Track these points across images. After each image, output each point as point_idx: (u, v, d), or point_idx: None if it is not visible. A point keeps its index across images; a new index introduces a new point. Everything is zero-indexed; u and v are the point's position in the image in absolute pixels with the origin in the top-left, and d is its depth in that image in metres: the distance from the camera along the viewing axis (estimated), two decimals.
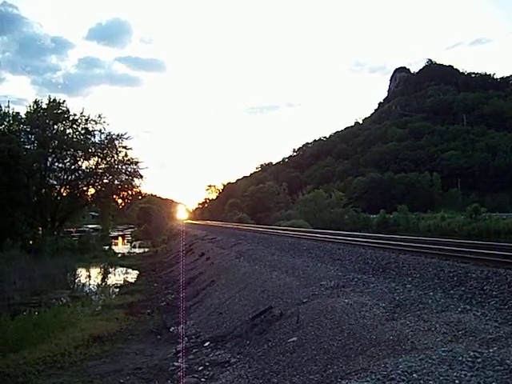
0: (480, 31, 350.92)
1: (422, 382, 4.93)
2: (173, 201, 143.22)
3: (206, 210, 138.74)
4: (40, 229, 44.31)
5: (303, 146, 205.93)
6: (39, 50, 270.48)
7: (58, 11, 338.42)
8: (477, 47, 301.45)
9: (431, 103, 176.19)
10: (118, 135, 48.45)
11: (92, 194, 50.93)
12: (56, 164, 47.54)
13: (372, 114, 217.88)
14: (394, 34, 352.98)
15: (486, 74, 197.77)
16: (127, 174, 49.50)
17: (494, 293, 8.71)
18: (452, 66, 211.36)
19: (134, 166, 49.55)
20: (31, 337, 13.29)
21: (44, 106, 46.06)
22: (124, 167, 49.23)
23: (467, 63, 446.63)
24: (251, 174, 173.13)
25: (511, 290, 8.60)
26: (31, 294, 21.81)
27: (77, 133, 47.37)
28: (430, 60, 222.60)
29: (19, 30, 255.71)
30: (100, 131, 47.98)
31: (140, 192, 55.49)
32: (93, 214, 69.60)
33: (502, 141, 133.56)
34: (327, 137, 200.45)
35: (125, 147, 49.05)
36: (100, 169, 48.90)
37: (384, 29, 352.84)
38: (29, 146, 45.41)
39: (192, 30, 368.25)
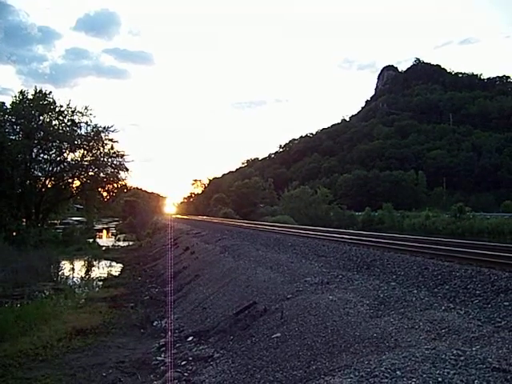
0: (470, 31, 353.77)
1: (405, 379, 4.96)
2: (158, 195, 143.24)
3: (192, 204, 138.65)
4: (24, 220, 43.97)
5: (290, 142, 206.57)
6: (25, 39, 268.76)
7: (46, 0, 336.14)
8: (466, 46, 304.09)
9: (418, 102, 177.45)
10: (104, 128, 48.05)
11: (77, 187, 50.56)
12: (41, 155, 47.10)
13: (359, 112, 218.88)
14: (385, 31, 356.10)
15: (472, 74, 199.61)
16: (113, 167, 49.16)
17: (478, 292, 8.77)
18: (439, 66, 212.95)
19: (120, 159, 49.22)
20: (13, 329, 13.18)
21: (30, 96, 45.62)
22: (110, 160, 48.87)
23: (456, 63, 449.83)
24: (237, 170, 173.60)
25: (494, 289, 8.66)
26: (14, 286, 21.59)
27: (63, 124, 46.91)
28: (417, 59, 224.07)
29: (4, 18, 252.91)
30: (86, 123, 47.54)
31: (125, 185, 55.19)
32: (77, 206, 69.07)
33: (487, 141, 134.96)
34: (314, 133, 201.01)
35: (111, 140, 48.69)
36: (85, 161, 48.50)
37: (374, 26, 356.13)
38: (14, 137, 44.92)
39: (181, 23, 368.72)
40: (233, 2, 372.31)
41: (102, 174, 49.35)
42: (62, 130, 46.72)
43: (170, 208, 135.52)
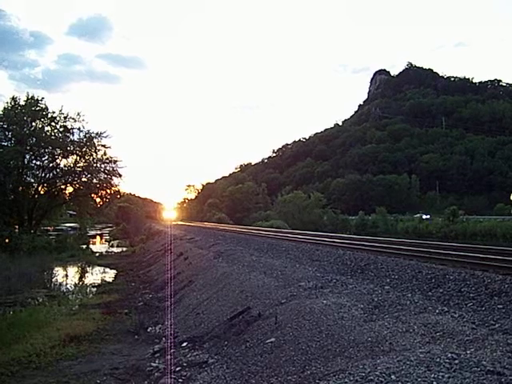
0: (464, 34, 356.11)
1: (400, 383, 4.95)
2: (152, 200, 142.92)
3: (185, 210, 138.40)
4: (16, 227, 43.77)
5: (283, 146, 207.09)
6: (17, 44, 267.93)
7: (38, 5, 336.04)
8: (460, 49, 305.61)
9: (410, 106, 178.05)
10: (97, 133, 47.84)
11: (70, 193, 50.28)
12: (33, 162, 46.90)
13: (352, 116, 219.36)
14: (380, 35, 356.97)
15: (464, 78, 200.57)
16: (106, 173, 48.92)
17: (472, 295, 8.79)
18: (431, 70, 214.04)
19: (113, 165, 49.03)
20: (6, 337, 13.10)
21: (22, 102, 45.48)
22: (103, 166, 48.63)
23: (450, 66, 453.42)
24: (230, 175, 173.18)
25: (488, 292, 8.69)
26: (6, 294, 21.46)
27: (55, 130, 46.72)
28: (409, 63, 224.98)
29: None
30: (79, 129, 47.32)
31: (119, 191, 54.95)
32: (70, 212, 68.73)
33: (479, 144, 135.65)
34: (307, 138, 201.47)
35: (104, 146, 48.50)
36: (78, 167, 48.25)
37: (369, 30, 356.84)
38: (6, 143, 44.79)
39: (174, 28, 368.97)
40: (227, 8, 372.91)
41: (94, 180, 49.09)
42: (55, 136, 46.53)
43: (164, 213, 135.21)
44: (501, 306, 7.86)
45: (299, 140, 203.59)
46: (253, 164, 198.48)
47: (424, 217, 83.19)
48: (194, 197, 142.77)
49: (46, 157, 47.09)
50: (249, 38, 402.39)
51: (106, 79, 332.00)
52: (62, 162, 48.12)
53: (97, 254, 43.48)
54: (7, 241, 38.32)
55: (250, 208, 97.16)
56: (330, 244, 20.41)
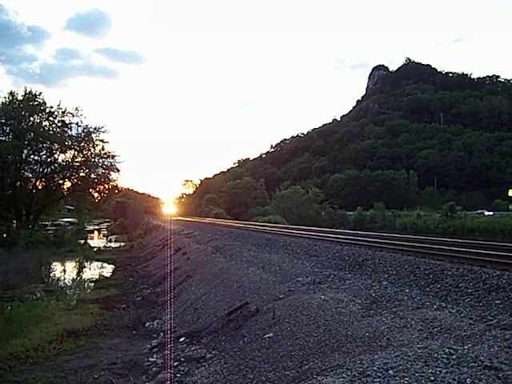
0: (463, 30, 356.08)
1: (397, 378, 4.94)
2: (150, 195, 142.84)
3: (183, 205, 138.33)
4: (14, 222, 43.77)
5: (281, 142, 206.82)
6: (15, 38, 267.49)
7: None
8: (459, 45, 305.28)
9: (409, 101, 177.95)
10: (95, 128, 47.75)
11: (68, 188, 50.23)
12: (32, 156, 46.88)
13: (350, 112, 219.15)
14: (379, 31, 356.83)
15: (463, 74, 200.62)
16: (104, 168, 48.89)
17: (469, 290, 8.80)
18: (430, 65, 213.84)
19: (111, 160, 48.99)
20: (3, 332, 13.10)
21: (20, 97, 45.45)
22: (101, 161, 48.58)
23: (449, 62, 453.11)
24: (228, 170, 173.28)
25: (485, 288, 8.69)
26: (4, 289, 21.44)
27: (53, 125, 46.67)
28: (408, 58, 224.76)
29: None
30: (77, 124, 47.22)
31: (116, 186, 54.98)
32: (68, 207, 68.63)
33: (477, 140, 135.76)
34: (305, 133, 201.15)
35: (102, 140, 48.45)
36: (76, 162, 48.20)
37: (368, 26, 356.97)
38: (3, 138, 44.77)
39: (172, 23, 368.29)
40: (226, 3, 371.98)
41: (92, 175, 49.08)
42: (53, 130, 46.50)
43: (162, 209, 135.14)
44: (498, 302, 7.86)
45: (297, 135, 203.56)
46: (251, 159, 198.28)
47: (486, 213, 76.13)
48: (192, 192, 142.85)
49: (44, 152, 47.10)
50: (248, 34, 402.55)
51: (104, 74, 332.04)
52: (60, 157, 48.20)
53: (95, 249, 43.41)
54: (5, 235, 38.30)
55: (248, 203, 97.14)
56: (328, 239, 20.42)
